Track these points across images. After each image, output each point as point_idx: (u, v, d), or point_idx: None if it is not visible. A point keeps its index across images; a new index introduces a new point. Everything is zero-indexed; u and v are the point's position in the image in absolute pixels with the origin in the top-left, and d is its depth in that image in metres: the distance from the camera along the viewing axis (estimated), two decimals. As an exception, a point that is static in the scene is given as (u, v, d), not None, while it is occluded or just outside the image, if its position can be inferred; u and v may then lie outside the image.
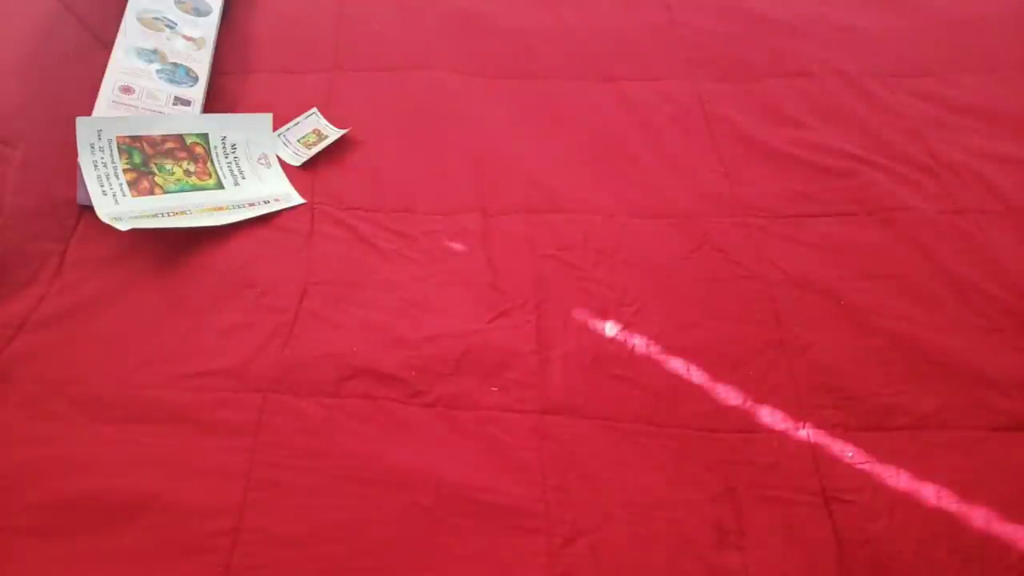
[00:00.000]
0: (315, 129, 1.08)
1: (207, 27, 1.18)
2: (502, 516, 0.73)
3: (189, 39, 1.15)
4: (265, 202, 1.00)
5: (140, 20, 1.13)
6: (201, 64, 1.12)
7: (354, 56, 1.20)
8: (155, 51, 1.10)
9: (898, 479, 0.75)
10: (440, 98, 1.14)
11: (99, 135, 0.96)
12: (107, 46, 1.08)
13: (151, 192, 0.97)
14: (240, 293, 0.90)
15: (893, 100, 1.11)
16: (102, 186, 0.94)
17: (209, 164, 1.03)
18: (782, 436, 0.78)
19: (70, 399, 0.80)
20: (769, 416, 0.80)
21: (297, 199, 1.01)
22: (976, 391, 0.81)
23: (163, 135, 1.01)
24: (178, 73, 1.09)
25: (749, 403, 0.81)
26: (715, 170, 1.04)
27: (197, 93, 1.08)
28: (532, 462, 0.77)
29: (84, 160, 0.94)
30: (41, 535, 0.71)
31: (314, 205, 1.00)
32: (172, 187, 0.99)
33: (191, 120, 1.05)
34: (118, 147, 0.97)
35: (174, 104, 1.05)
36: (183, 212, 0.96)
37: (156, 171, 0.99)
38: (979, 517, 0.72)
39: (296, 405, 0.80)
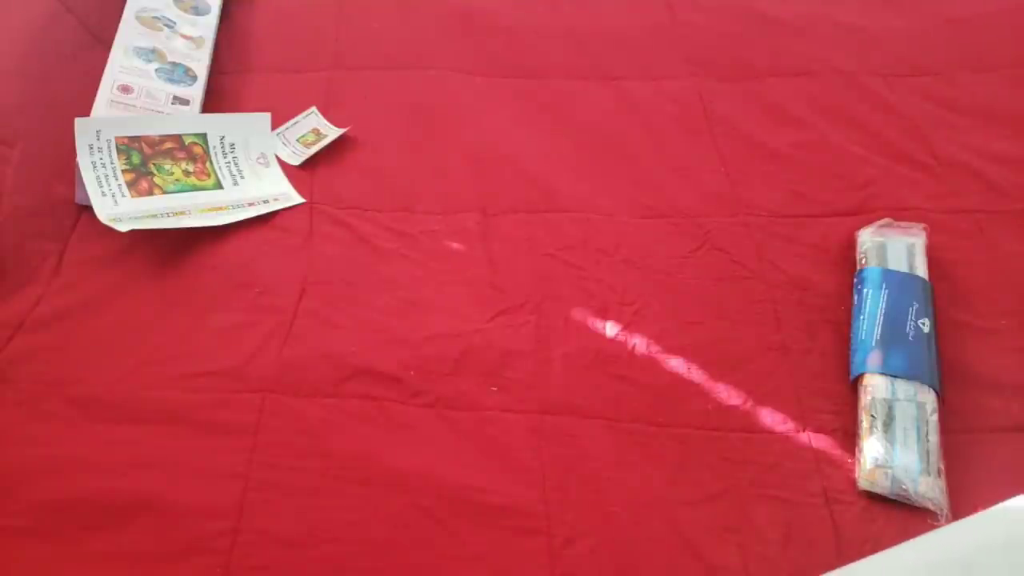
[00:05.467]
0: (314, 128, 1.08)
1: (206, 26, 1.18)
2: (502, 517, 0.73)
3: (188, 38, 1.14)
4: (264, 202, 1.00)
5: (139, 19, 1.13)
6: (200, 63, 1.12)
7: (353, 55, 1.20)
8: (154, 50, 1.10)
9: (899, 480, 0.75)
10: (440, 97, 1.14)
11: (98, 135, 0.96)
12: (106, 45, 1.08)
13: (150, 193, 0.97)
14: (239, 293, 0.89)
15: (894, 99, 1.11)
16: (101, 187, 0.94)
17: (208, 164, 1.02)
18: (783, 437, 0.78)
19: (69, 399, 0.80)
20: (770, 417, 0.80)
21: (296, 198, 1.01)
22: (974, 392, 0.81)
23: (161, 135, 1.01)
24: (177, 72, 1.09)
25: (750, 403, 0.81)
26: (716, 169, 1.04)
27: (196, 92, 1.08)
28: (532, 462, 0.77)
29: (83, 161, 0.94)
30: (40, 535, 0.71)
31: (313, 204, 1.00)
32: (171, 187, 0.98)
33: (189, 120, 1.05)
34: (117, 148, 0.97)
35: (173, 103, 1.05)
36: (182, 212, 0.96)
37: (155, 171, 0.98)
38: (979, 518, 0.72)
39: (295, 405, 0.80)
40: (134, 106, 1.03)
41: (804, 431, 0.79)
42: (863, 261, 0.89)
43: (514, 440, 0.78)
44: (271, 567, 0.69)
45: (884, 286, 0.85)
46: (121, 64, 1.06)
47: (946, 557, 0.58)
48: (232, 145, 1.05)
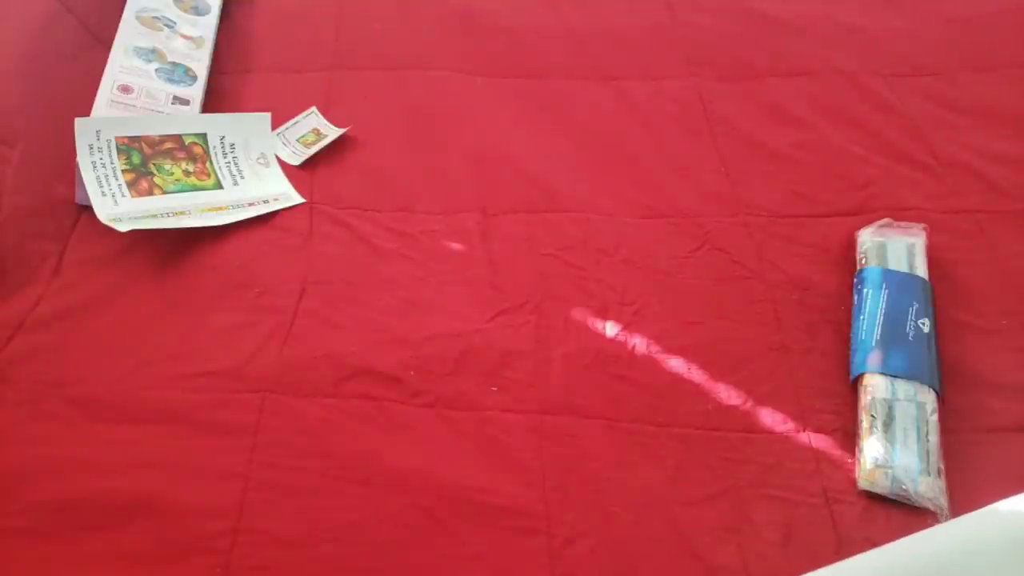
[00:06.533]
0: (314, 128, 1.08)
1: (206, 26, 1.18)
2: (502, 517, 0.73)
3: (188, 38, 1.14)
4: (264, 202, 1.00)
5: (139, 19, 1.13)
6: (200, 63, 1.12)
7: (353, 55, 1.20)
8: (154, 50, 1.10)
9: (899, 480, 0.75)
10: (440, 97, 1.14)
11: (98, 135, 0.96)
12: (106, 45, 1.08)
13: (150, 193, 0.97)
14: (239, 293, 0.89)
15: (894, 99, 1.11)
16: (101, 187, 0.94)
17: (208, 164, 1.02)
18: (783, 437, 0.78)
19: (69, 399, 0.80)
20: (770, 417, 0.80)
21: (296, 198, 1.01)
22: (974, 392, 0.81)
23: (161, 135, 1.01)
24: (177, 72, 1.09)
25: (750, 403, 0.81)
26: (716, 170, 1.04)
27: (196, 92, 1.08)
28: (532, 462, 0.76)
29: (83, 161, 0.94)
30: (40, 535, 0.71)
31: (313, 204, 1.00)
32: (171, 187, 0.98)
33: (189, 120, 1.05)
34: (117, 148, 0.97)
35: (173, 103, 1.05)
36: (182, 212, 0.96)
37: (155, 171, 0.98)
38: (979, 518, 0.72)
39: (295, 405, 0.80)
40: (134, 106, 1.03)
41: (804, 431, 0.79)
42: (863, 261, 0.89)
43: (514, 440, 0.78)
44: (271, 567, 0.69)
45: (884, 286, 0.85)
46: (121, 64, 1.06)
47: (937, 558, 0.57)
48: (232, 145, 1.05)
